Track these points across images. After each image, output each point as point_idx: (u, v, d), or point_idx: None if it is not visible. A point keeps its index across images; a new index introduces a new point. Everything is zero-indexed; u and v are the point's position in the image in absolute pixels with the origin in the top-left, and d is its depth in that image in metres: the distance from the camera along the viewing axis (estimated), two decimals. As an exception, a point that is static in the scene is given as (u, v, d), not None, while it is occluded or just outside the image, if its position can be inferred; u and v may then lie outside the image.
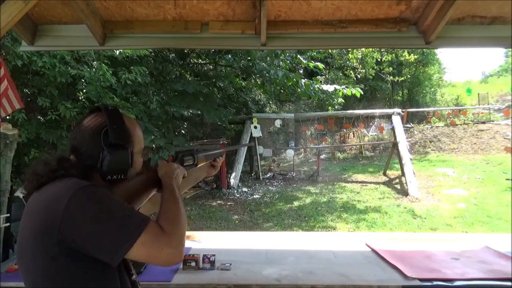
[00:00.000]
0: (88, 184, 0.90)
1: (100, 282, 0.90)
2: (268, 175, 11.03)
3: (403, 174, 9.13)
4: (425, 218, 6.76)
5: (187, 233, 2.09)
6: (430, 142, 13.01)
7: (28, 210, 0.94)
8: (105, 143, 0.99)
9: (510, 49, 19.20)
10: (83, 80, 5.49)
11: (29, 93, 5.49)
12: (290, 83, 8.18)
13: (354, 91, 8.21)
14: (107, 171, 0.99)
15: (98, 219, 0.85)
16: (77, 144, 1.01)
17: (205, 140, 10.29)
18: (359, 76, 15.16)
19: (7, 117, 3.69)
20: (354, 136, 13.73)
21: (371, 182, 9.80)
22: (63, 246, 0.85)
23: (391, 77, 15.76)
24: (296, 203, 8.05)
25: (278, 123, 11.17)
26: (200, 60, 10.34)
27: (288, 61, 8.47)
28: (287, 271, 1.77)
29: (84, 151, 1.00)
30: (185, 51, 9.03)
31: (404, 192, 8.51)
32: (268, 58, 8.15)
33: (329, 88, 8.81)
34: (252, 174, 11.01)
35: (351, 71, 14.69)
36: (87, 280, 0.89)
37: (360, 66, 13.67)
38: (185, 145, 8.67)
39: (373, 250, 2.09)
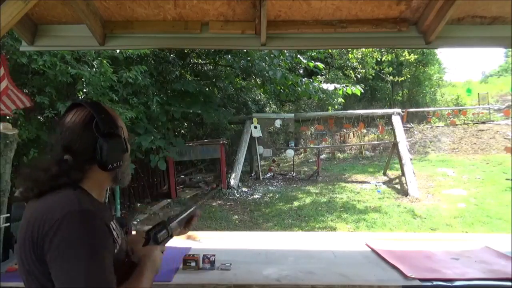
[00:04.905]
0: (82, 210, 0.88)
1: None
2: (268, 175, 11.02)
3: (403, 174, 9.13)
4: (425, 218, 6.75)
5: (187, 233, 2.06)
6: (430, 142, 13.01)
7: (26, 219, 0.94)
8: (98, 133, 0.99)
9: (510, 49, 19.19)
10: (83, 80, 5.48)
11: (28, 93, 5.49)
12: (290, 83, 8.19)
13: (354, 89, 8.21)
14: (107, 161, 0.99)
15: (69, 259, 0.84)
16: (68, 142, 1.00)
17: (205, 140, 10.28)
18: (359, 76, 15.15)
19: (7, 118, 3.69)
20: (354, 136, 13.72)
21: (371, 182, 9.80)
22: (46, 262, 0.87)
23: (391, 77, 15.75)
24: (296, 203, 8.04)
25: (278, 123, 11.17)
26: (200, 60, 10.34)
27: (288, 61, 8.47)
28: (287, 271, 1.77)
29: (78, 147, 0.99)
30: (185, 51, 9.03)
31: (404, 192, 8.50)
32: (267, 58, 8.15)
33: (329, 87, 8.81)
34: (252, 174, 11.00)
35: (351, 71, 14.69)
36: None
37: (360, 66, 13.66)
38: (185, 145, 8.64)
39: (373, 250, 2.09)
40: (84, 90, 5.69)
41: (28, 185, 0.96)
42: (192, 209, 1.47)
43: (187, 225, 1.44)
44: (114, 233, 1.00)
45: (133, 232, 2.13)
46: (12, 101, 2.35)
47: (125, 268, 1.04)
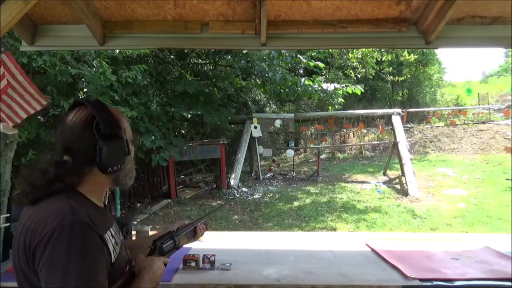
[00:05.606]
0: (73, 223, 0.85)
1: None
2: (268, 175, 11.02)
3: (403, 174, 9.12)
4: (425, 218, 6.75)
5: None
6: (430, 142, 13.01)
7: (20, 227, 0.92)
8: (98, 134, 0.95)
9: (510, 49, 19.18)
10: (83, 80, 5.49)
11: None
12: (290, 83, 8.20)
13: (354, 89, 8.22)
14: (107, 163, 0.96)
15: (58, 274, 0.81)
16: (68, 142, 0.97)
17: (205, 140, 10.28)
18: (359, 76, 15.16)
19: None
20: (354, 136, 13.72)
21: (371, 182, 9.79)
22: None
23: (391, 77, 15.75)
24: (296, 203, 8.04)
25: (278, 123, 11.17)
26: (200, 60, 10.34)
27: (288, 61, 8.48)
28: (287, 271, 1.77)
29: (77, 148, 0.96)
30: (185, 51, 9.04)
31: (404, 192, 8.50)
32: (267, 59, 8.15)
33: (329, 87, 8.83)
34: (252, 174, 11.00)
35: (351, 71, 14.69)
36: None
37: (360, 66, 13.67)
38: (184, 147, 8.61)
39: (373, 250, 2.09)
40: (85, 89, 5.70)
41: (25, 189, 0.93)
42: (201, 218, 1.46)
43: (194, 236, 1.41)
44: (113, 240, 0.97)
45: (133, 232, 2.13)
46: (21, 107, 2.25)
47: (126, 277, 1.01)
